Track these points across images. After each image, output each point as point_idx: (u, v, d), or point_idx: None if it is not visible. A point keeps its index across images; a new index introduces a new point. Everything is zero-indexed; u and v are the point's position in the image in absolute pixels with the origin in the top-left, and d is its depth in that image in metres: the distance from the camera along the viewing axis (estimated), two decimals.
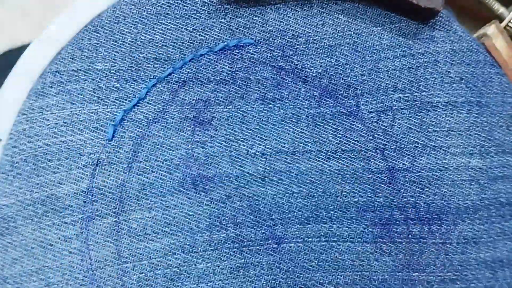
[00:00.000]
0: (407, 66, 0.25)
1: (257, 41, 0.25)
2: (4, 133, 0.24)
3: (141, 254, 0.24)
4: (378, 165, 0.25)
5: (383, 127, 0.25)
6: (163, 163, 0.25)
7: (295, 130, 0.25)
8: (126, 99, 0.25)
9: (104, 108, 0.25)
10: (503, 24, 0.25)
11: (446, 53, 0.25)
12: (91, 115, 0.25)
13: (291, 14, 0.25)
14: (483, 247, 0.24)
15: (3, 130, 0.24)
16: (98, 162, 0.24)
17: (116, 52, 0.25)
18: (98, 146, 0.24)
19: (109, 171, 0.24)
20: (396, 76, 0.25)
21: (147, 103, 0.25)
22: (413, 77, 0.25)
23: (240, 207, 0.24)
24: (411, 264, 0.24)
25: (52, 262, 0.24)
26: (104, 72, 0.24)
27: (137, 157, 0.25)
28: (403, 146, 0.25)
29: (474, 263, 0.24)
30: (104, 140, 0.25)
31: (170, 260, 0.24)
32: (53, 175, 0.24)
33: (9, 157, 0.24)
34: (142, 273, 0.24)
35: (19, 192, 0.24)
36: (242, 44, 0.25)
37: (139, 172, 0.25)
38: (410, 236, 0.24)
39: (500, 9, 0.26)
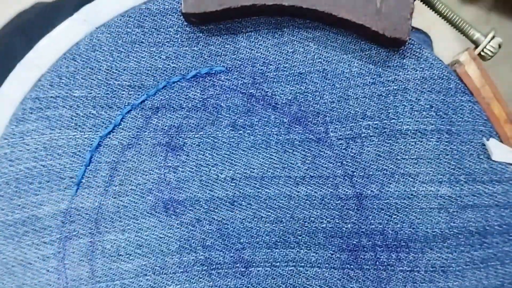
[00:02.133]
0: (376, 94, 0.25)
1: (228, 68, 0.25)
2: None
3: (113, 274, 0.25)
4: (346, 192, 0.25)
5: (352, 154, 0.25)
6: (136, 187, 0.25)
7: (265, 156, 0.25)
8: (102, 126, 0.26)
9: (81, 134, 0.26)
10: (479, 49, 0.25)
11: (416, 80, 0.25)
12: (69, 140, 0.26)
13: (262, 42, 0.25)
14: (451, 276, 0.24)
15: None
16: (78, 185, 0.25)
17: (92, 79, 0.25)
18: (77, 170, 0.26)
19: (88, 194, 0.25)
20: (365, 103, 0.25)
21: (122, 129, 0.26)
22: (383, 104, 0.25)
23: (210, 231, 0.25)
24: None
25: (31, 280, 0.25)
26: (81, 99, 0.25)
27: (113, 181, 0.26)
28: (371, 173, 0.25)
29: None
30: (82, 165, 0.26)
31: (141, 281, 0.25)
32: (34, 197, 0.25)
33: None
34: None
35: (1, 213, 0.25)
36: (213, 72, 0.25)
37: (114, 195, 0.25)
38: (377, 263, 0.25)
39: (476, 34, 0.25)
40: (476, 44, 0.26)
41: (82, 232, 0.25)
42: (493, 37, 0.25)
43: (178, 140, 0.25)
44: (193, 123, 0.25)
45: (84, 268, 0.25)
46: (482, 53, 0.25)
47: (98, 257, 0.25)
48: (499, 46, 0.25)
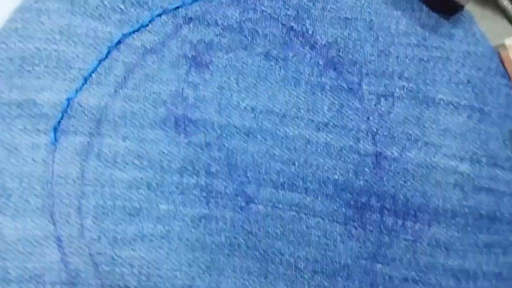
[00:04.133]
0: (418, 57, 0.24)
1: None
2: None
3: (105, 180, 0.23)
4: (366, 148, 0.24)
5: (380, 112, 0.24)
6: (150, 96, 0.24)
7: (292, 93, 0.24)
8: (127, 23, 0.24)
9: (103, 27, 0.24)
10: None
11: (460, 53, 0.24)
12: (89, 30, 0.24)
13: None
14: (453, 254, 0.24)
15: None
16: (86, 79, 0.24)
17: None
18: (89, 63, 0.24)
19: (95, 91, 0.24)
20: (405, 64, 0.24)
21: (148, 31, 0.24)
22: (422, 69, 0.24)
23: (217, 157, 0.24)
24: (377, 255, 0.24)
25: (12, 167, 0.23)
26: None
27: (126, 83, 0.24)
28: (395, 135, 0.24)
29: (441, 268, 0.23)
30: (97, 59, 0.24)
31: (133, 194, 0.23)
32: (36, 80, 0.23)
33: None
34: (101, 200, 0.23)
35: None
36: None
37: (124, 98, 0.24)
38: (382, 226, 0.24)
39: None
40: None
41: (81, 130, 0.23)
42: None
43: (205, 57, 0.24)
44: (224, 43, 0.24)
45: (74, 167, 0.23)
46: None
47: (92, 159, 0.23)
48: None
